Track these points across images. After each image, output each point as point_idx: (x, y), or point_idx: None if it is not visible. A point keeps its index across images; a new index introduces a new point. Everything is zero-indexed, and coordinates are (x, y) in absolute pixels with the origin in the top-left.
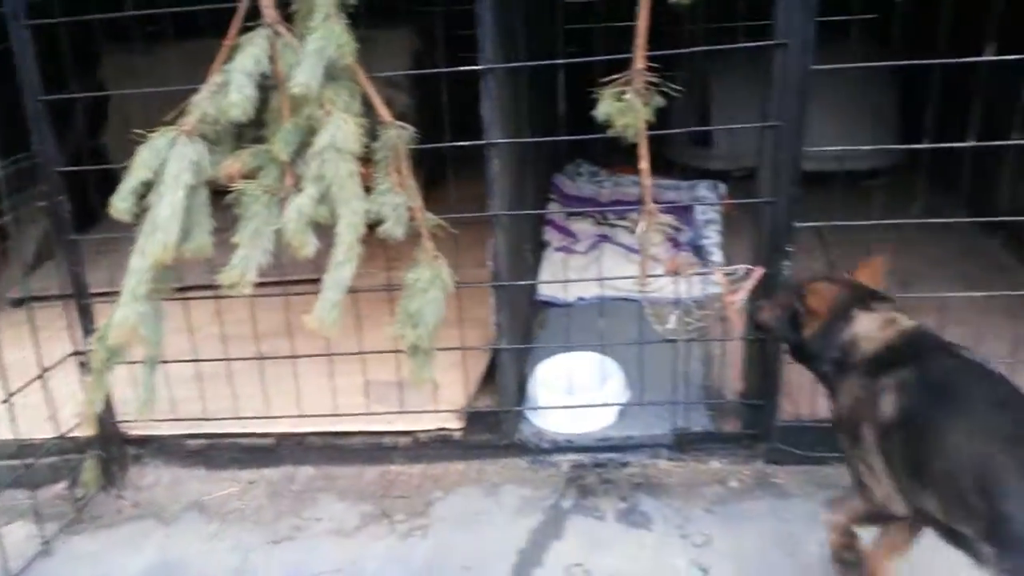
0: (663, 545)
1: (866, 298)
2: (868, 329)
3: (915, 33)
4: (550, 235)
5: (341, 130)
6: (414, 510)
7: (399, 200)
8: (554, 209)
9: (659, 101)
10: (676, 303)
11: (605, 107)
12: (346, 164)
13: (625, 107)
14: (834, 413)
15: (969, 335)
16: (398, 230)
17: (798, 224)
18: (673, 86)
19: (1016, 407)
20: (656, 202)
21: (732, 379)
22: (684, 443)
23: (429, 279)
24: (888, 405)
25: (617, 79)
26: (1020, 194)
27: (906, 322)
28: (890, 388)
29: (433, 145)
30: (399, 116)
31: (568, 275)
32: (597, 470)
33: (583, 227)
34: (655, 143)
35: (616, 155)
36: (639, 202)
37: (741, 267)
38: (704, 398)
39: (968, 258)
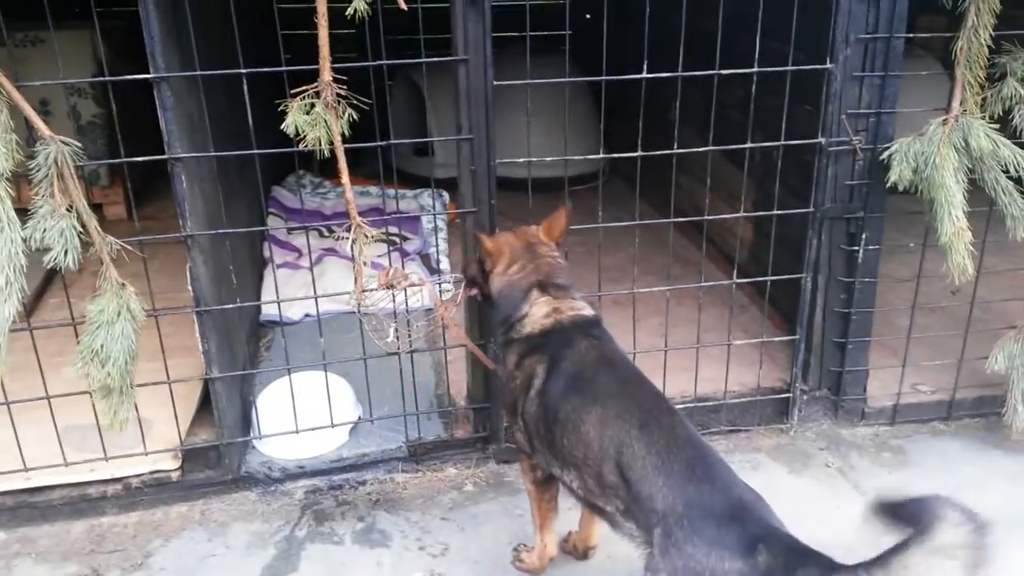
0: (401, 561)
1: (547, 284)
2: (537, 312)
3: (608, 50)
4: (271, 252)
5: None
6: (130, 563)
7: (65, 224)
8: (275, 224)
9: (352, 115)
10: (395, 315)
11: (293, 119)
12: None
13: (314, 119)
14: (503, 393)
15: (662, 324)
16: (68, 257)
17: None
18: (362, 99)
19: (640, 394)
20: (381, 212)
21: (462, 385)
22: (419, 454)
23: (115, 310)
24: (533, 387)
25: (305, 91)
26: (690, 195)
27: (569, 311)
28: (534, 372)
29: (107, 162)
30: (87, 126)
31: (295, 292)
32: (333, 493)
33: (306, 241)
34: (379, 155)
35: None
36: (365, 213)
37: (449, 278)
38: (437, 406)
39: (662, 254)
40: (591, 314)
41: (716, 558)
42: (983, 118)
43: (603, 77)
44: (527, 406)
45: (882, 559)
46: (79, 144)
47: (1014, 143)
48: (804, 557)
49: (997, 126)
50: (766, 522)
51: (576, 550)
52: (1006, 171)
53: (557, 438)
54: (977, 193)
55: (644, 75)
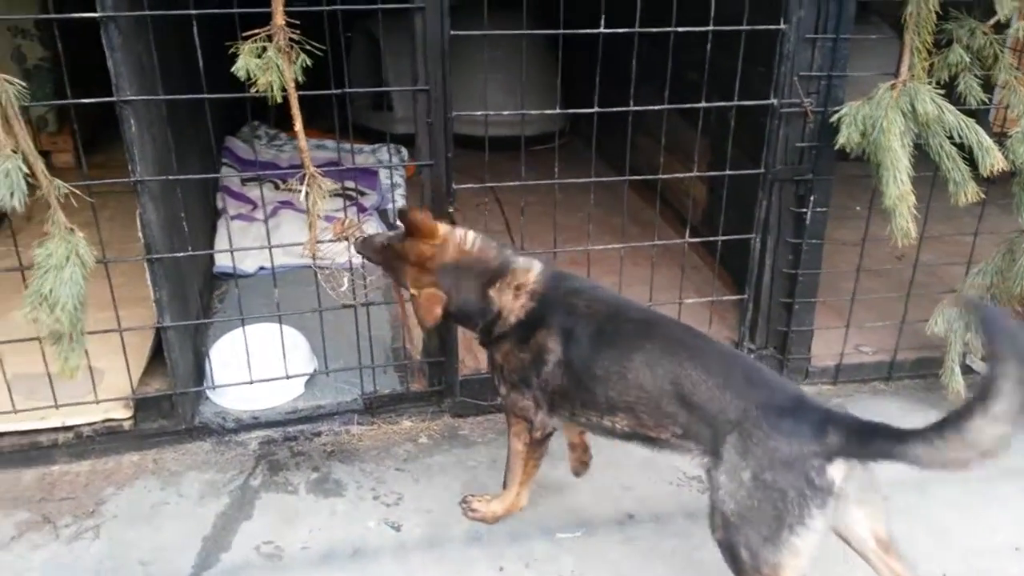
0: (355, 509)
1: (492, 276)
2: (507, 301)
3: (566, 9)
4: (225, 202)
5: None
6: (82, 511)
7: (10, 165)
8: (228, 175)
9: (305, 60)
10: (350, 268)
11: (243, 63)
12: None
13: (266, 63)
14: (500, 374)
15: (616, 284)
16: (12, 199)
17: (456, 186)
18: (316, 44)
19: (667, 328)
20: (339, 166)
21: (418, 339)
22: (375, 406)
23: (63, 254)
24: (549, 360)
25: (256, 34)
26: (647, 157)
27: (530, 281)
28: (544, 347)
29: (53, 103)
30: (33, 70)
31: (250, 244)
32: (288, 443)
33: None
34: (335, 107)
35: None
36: (321, 167)
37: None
38: (393, 360)
39: (619, 215)
40: (543, 267)
41: (797, 444)
42: (930, 84)
43: (560, 31)
44: (548, 377)
45: (949, 422)
46: (24, 84)
47: (959, 109)
48: (873, 431)
49: (943, 92)
50: (825, 408)
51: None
52: (950, 137)
53: (599, 392)
54: (923, 158)
55: (601, 30)
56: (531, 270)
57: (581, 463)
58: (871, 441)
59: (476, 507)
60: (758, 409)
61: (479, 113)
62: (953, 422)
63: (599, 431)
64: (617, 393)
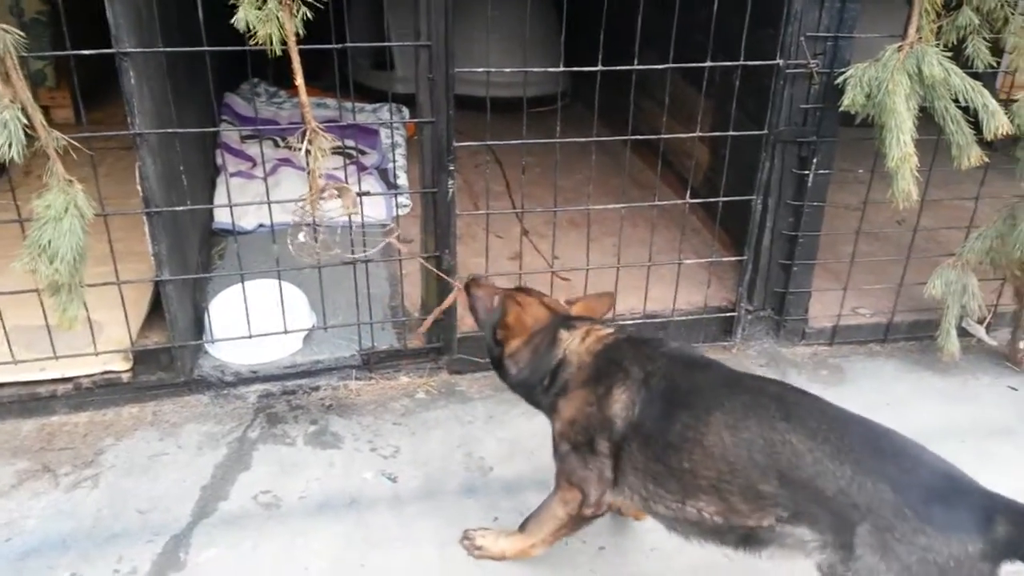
0: (353, 461)
1: (569, 319)
2: (574, 344)
3: None
4: (224, 159)
5: None
6: (82, 460)
7: (8, 115)
8: (228, 131)
9: (306, 13)
10: (350, 228)
11: (243, 14)
12: None
13: (266, 16)
14: (559, 429)
15: (615, 244)
16: (11, 150)
17: (457, 144)
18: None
19: (756, 381)
20: (338, 124)
21: (416, 297)
22: (373, 362)
23: (62, 206)
24: (618, 419)
25: None
26: (649, 119)
27: (604, 330)
28: (611, 402)
29: (52, 54)
30: (31, 23)
31: (249, 201)
32: (286, 397)
33: (260, 150)
34: (336, 63)
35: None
36: (324, 123)
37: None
38: (391, 317)
39: (618, 175)
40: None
41: (957, 544)
42: (938, 46)
43: None
44: (627, 444)
45: None
46: (21, 34)
47: (966, 72)
48: None
49: (951, 55)
50: (982, 488)
51: None
52: (956, 100)
53: (674, 465)
54: (926, 122)
55: None
56: (606, 327)
57: None
58: None
59: (481, 543)
60: (896, 492)
61: (480, 70)
62: None
63: (686, 528)
64: (693, 466)
